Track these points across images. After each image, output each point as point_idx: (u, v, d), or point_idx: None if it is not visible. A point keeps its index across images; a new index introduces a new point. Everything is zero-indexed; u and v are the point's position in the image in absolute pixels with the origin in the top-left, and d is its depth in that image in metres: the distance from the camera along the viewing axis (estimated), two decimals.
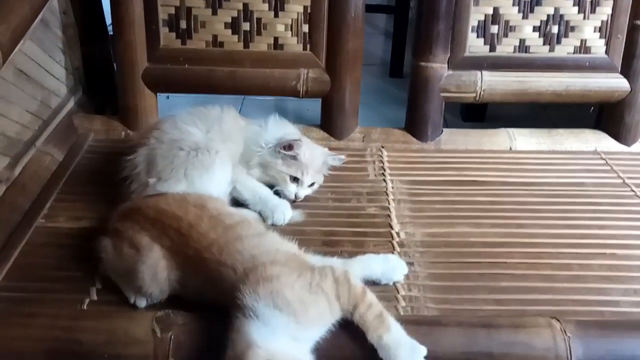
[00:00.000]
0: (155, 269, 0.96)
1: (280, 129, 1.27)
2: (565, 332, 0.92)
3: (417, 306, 1.03)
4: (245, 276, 0.89)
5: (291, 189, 1.22)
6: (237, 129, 1.25)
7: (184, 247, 0.95)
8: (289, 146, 1.20)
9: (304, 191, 1.23)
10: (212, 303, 0.95)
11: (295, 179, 1.22)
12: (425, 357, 0.87)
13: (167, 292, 0.98)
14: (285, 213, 1.19)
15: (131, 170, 1.18)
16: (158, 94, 1.50)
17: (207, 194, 1.11)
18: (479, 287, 1.07)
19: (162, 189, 1.12)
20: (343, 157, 1.31)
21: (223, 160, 1.18)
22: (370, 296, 0.89)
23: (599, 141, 1.51)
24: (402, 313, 1.01)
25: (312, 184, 1.26)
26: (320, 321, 0.87)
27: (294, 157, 1.20)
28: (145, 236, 0.98)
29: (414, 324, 0.94)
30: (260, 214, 1.20)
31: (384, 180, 1.36)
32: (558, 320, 0.94)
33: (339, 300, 0.87)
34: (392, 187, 1.33)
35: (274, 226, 1.17)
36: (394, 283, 1.06)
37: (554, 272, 1.10)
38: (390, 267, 1.05)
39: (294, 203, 1.24)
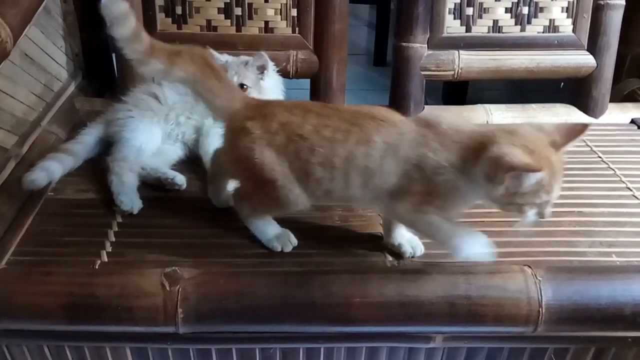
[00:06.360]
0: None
1: None
2: (536, 276, 0.98)
3: (403, 261, 1.09)
4: None
5: None
6: None
7: None
8: None
9: None
10: None
11: None
12: None
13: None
14: None
15: None
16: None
17: None
18: None
19: None
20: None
21: None
22: None
23: (568, 114, 1.58)
24: (389, 265, 1.08)
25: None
26: None
27: None
28: None
29: (400, 273, 1.02)
30: None
31: None
32: (529, 267, 1.01)
33: None
34: None
35: None
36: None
37: (526, 228, 1.17)
38: None
39: None
